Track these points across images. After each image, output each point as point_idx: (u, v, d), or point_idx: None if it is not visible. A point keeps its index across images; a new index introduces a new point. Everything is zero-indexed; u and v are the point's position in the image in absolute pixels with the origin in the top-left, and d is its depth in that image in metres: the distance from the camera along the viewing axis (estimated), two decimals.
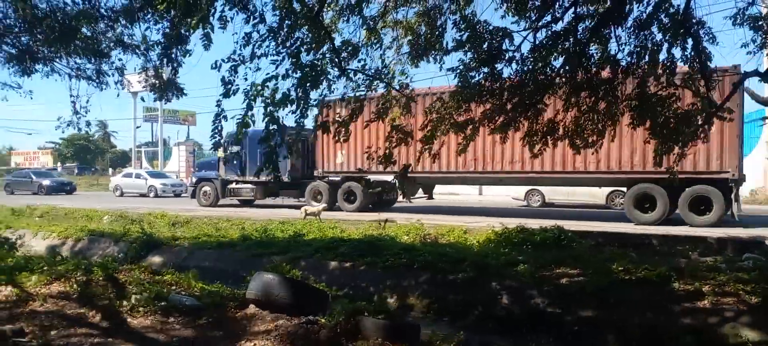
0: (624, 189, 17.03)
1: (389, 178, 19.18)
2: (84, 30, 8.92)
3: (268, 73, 6.84)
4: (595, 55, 7.06)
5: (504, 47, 7.20)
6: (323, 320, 5.74)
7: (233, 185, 23.74)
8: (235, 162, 22.03)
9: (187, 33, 7.25)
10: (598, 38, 7.00)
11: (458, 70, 7.13)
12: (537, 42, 7.31)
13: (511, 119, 7.40)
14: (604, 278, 7.86)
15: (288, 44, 6.59)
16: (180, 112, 48.07)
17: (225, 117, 7.00)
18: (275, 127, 6.97)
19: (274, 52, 6.81)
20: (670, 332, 6.60)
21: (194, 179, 26.63)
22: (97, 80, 10.10)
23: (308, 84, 6.46)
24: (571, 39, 6.90)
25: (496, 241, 10.97)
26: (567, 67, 6.98)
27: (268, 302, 6.21)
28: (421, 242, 11.63)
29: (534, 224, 11.93)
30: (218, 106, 6.89)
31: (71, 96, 9.74)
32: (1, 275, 7.29)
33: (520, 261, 8.88)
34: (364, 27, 7.34)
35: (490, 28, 7.17)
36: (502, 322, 7.53)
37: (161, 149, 46.24)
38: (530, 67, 7.21)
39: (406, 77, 8.03)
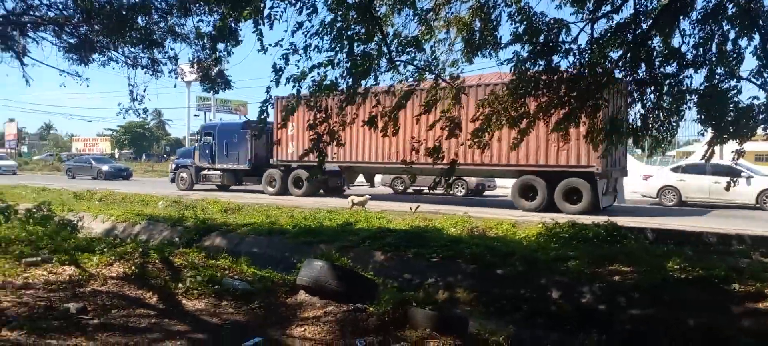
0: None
1: (335, 167, 21.85)
2: (139, 20, 9.20)
3: (317, 62, 6.95)
4: (657, 48, 6.82)
5: (561, 39, 7.07)
6: (371, 309, 5.80)
7: (205, 172, 25.76)
8: (207, 151, 25.17)
9: (237, 26, 7.41)
10: (660, 30, 6.77)
11: (513, 63, 7.04)
12: (595, 34, 7.15)
13: (570, 114, 7.24)
14: (658, 276, 7.65)
15: (340, 35, 6.64)
16: (232, 101, 49.11)
17: (272, 104, 7.15)
18: (321, 115, 7.07)
19: (327, 43, 6.89)
20: (729, 334, 6.36)
21: (173, 166, 28.56)
22: (152, 69, 10.42)
23: (358, 73, 6.51)
24: (631, 31, 6.70)
25: (545, 235, 10.80)
26: (627, 61, 6.78)
27: (317, 289, 6.30)
28: (468, 234, 11.56)
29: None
30: (267, 92, 7.04)
31: (129, 84, 10.08)
32: (64, 256, 7.63)
33: (571, 257, 8.72)
34: (418, 20, 7.30)
35: (547, 20, 7.04)
36: (552, 318, 7.42)
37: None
38: (588, 59, 7.04)
39: (457, 69, 7.98)
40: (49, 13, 9.33)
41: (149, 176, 43.94)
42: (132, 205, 18.26)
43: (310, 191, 22.35)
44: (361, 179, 26.17)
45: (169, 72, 10.10)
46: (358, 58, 6.47)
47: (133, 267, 7.18)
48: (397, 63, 7.30)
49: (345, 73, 6.55)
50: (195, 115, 49.42)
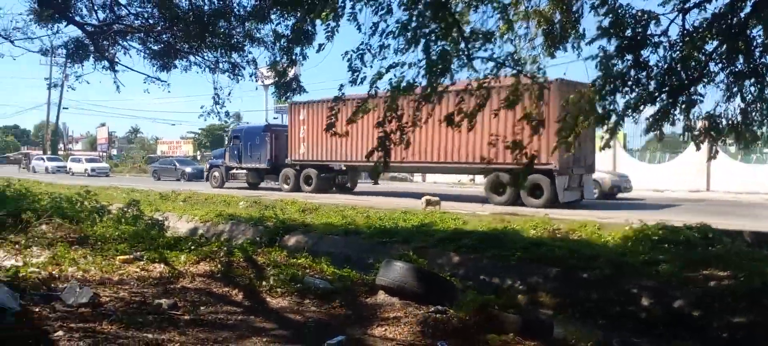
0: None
1: (342, 166, 24.41)
2: (219, 25, 9.54)
3: (393, 62, 6.94)
4: (758, 37, 6.36)
5: (649, 32, 6.72)
6: (452, 311, 5.72)
7: (234, 170, 28.74)
8: (235, 152, 28.17)
9: (313, 29, 7.52)
10: (759, 18, 6.31)
11: (598, 58, 6.76)
12: (687, 25, 6.75)
13: (662, 111, 6.88)
14: (757, 281, 7.12)
15: (416, 34, 6.60)
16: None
17: (344, 102, 7.22)
18: (392, 113, 7.06)
19: (403, 43, 6.88)
20: None
21: (208, 166, 32.18)
22: (232, 73, 10.79)
23: (435, 72, 6.44)
24: (727, 20, 6.28)
25: (633, 238, 10.31)
26: (724, 52, 6.36)
27: (397, 290, 6.29)
28: (549, 236, 11.24)
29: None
30: (340, 90, 7.10)
31: (214, 88, 10.50)
32: (154, 254, 8.00)
33: (661, 260, 8.28)
34: (497, 15, 7.15)
35: (634, 11, 6.72)
36: (641, 323, 7.09)
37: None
38: (680, 53, 6.66)
39: (538, 65, 7.75)
40: (135, 21, 9.84)
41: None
42: (214, 205, 18.95)
43: (317, 188, 24.47)
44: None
45: (250, 76, 10.42)
46: (434, 56, 6.42)
47: (219, 265, 7.42)
48: (474, 59, 7.19)
49: (421, 73, 6.50)
50: (274, 118, 50.75)
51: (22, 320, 4.96)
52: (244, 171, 28.23)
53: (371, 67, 6.58)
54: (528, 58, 7.66)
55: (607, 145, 7.79)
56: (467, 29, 7.26)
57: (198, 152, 72.75)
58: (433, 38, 6.53)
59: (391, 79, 6.58)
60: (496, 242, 10.00)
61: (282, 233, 13.03)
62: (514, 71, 7.27)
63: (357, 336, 5.16)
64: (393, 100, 6.90)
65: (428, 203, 17.29)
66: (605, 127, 7.18)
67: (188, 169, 40.35)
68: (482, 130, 15.24)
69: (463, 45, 6.97)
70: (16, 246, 8.58)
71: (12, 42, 9.71)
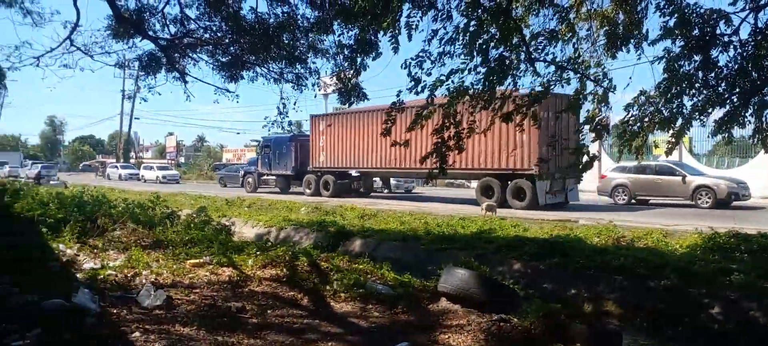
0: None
1: (354, 173, 27.31)
2: (283, 38, 9.81)
3: (452, 68, 6.96)
4: None
5: (719, 32, 6.48)
6: (516, 319, 5.66)
7: (265, 176, 32.32)
8: (266, 160, 31.74)
9: (375, 38, 7.62)
10: None
11: (664, 60, 6.56)
12: (760, 23, 6.47)
13: (732, 114, 6.61)
14: None
15: (475, 40, 6.60)
16: None
17: (402, 109, 7.27)
18: (449, 120, 7.06)
19: (460, 48, 6.89)
20: None
21: (243, 172, 36.06)
22: (296, 83, 11.08)
23: (494, 78, 6.42)
24: None
25: (703, 246, 9.91)
26: None
27: (459, 297, 6.28)
28: (613, 244, 10.92)
29: None
30: (397, 96, 7.17)
31: (281, 98, 10.81)
32: (223, 258, 8.30)
33: (734, 269, 7.91)
34: (558, 18, 7.06)
35: (702, 11, 6.49)
36: (715, 335, 6.79)
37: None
38: (752, 52, 6.39)
39: (603, 68, 7.59)
40: (204, 35, 10.24)
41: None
42: (277, 211, 19.39)
43: (334, 193, 26.95)
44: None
45: (312, 85, 10.66)
46: (493, 62, 6.40)
47: (285, 270, 7.62)
48: (537, 64, 7.11)
49: (480, 79, 6.49)
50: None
51: (102, 320, 5.25)
52: (274, 177, 31.83)
53: (430, 74, 6.60)
54: (590, 60, 7.53)
55: (671, 150, 7.55)
56: (527, 33, 7.23)
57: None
58: (493, 43, 6.51)
59: (449, 85, 6.60)
60: (558, 250, 9.80)
61: (342, 238, 13.20)
62: (578, 75, 7.17)
63: (421, 342, 5.20)
64: (451, 106, 6.91)
65: (487, 208, 17.31)
66: (670, 132, 6.96)
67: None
68: (474, 142, 18.90)
69: (524, 50, 6.92)
70: (95, 249, 9.07)
71: (92, 56, 10.33)
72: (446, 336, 5.38)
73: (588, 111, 7.47)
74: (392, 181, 31.63)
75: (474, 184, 25.27)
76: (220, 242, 9.63)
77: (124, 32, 9.89)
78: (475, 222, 14.50)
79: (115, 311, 5.52)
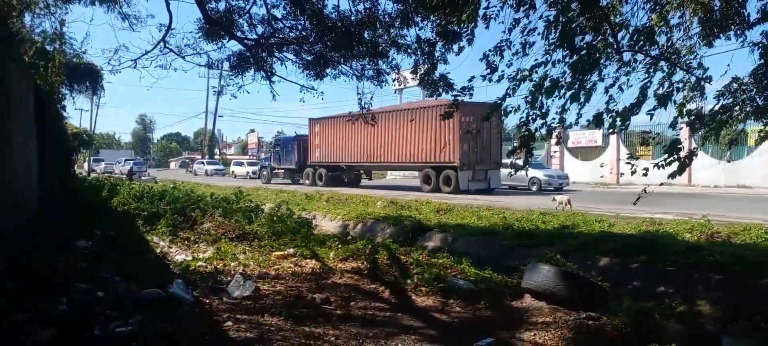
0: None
1: (343, 165, 32.93)
2: (365, 34, 9.88)
3: (535, 60, 6.76)
4: None
5: None
6: (606, 318, 5.46)
7: (276, 170, 38.93)
8: (277, 156, 38.51)
9: (457, 29, 7.53)
10: None
11: (762, 46, 6.11)
12: None
13: None
14: None
15: (563, 28, 6.38)
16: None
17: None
18: (536, 113, 6.86)
19: (544, 38, 6.69)
20: None
21: (260, 166, 43.32)
22: (377, 79, 11.15)
23: (581, 69, 6.18)
24: None
25: None
26: None
27: (544, 294, 6.13)
28: (707, 240, 10.32)
29: None
30: (469, 81, 7.06)
31: (358, 93, 10.93)
32: (306, 250, 8.51)
33: None
34: (650, 7, 6.72)
35: None
36: None
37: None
38: None
39: (696, 57, 7.15)
40: (290, 34, 10.49)
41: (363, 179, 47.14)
42: (354, 205, 19.64)
43: (327, 183, 32.43)
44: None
45: (392, 80, 10.69)
46: (581, 51, 6.16)
47: (365, 262, 7.72)
48: (624, 51, 6.80)
49: (570, 70, 6.27)
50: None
51: (196, 310, 5.50)
52: (283, 170, 38.56)
53: (510, 66, 6.46)
54: (682, 48, 7.12)
55: (764, 139, 7.02)
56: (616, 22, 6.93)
57: None
58: (580, 33, 6.28)
59: (533, 77, 6.43)
60: (647, 246, 9.38)
61: (418, 232, 13.20)
62: (670, 64, 6.79)
63: (506, 339, 5.11)
64: (535, 99, 6.73)
65: (560, 202, 16.97)
66: (766, 121, 6.48)
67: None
68: (418, 141, 27.14)
69: (612, 40, 6.63)
70: (186, 242, 9.54)
71: (184, 57, 10.83)
72: (532, 334, 5.26)
73: (675, 102, 7.07)
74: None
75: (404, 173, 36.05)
76: (302, 234, 9.87)
77: (213, 33, 10.29)
78: (557, 217, 14.11)
79: (207, 301, 5.76)
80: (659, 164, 6.20)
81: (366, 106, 11.07)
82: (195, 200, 13.45)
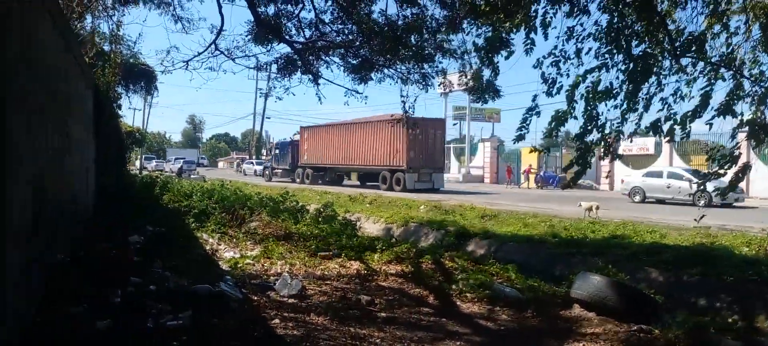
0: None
1: (325, 167, 38.01)
2: (411, 39, 9.89)
3: (590, 68, 6.62)
4: None
5: None
6: (658, 331, 5.30)
7: (275, 170, 44.83)
8: (276, 158, 44.68)
9: (508, 35, 7.42)
10: None
11: None
12: None
13: None
14: None
15: (615, 35, 6.23)
16: (486, 110, 49.84)
17: (538, 113, 6.99)
18: (594, 123, 6.69)
19: (598, 45, 6.54)
20: None
21: (263, 166, 48.97)
22: (422, 83, 11.15)
23: (638, 77, 6.01)
24: None
25: None
26: None
27: (593, 304, 5.99)
28: (765, 254, 9.89)
29: None
30: (533, 101, 6.92)
31: (401, 96, 10.95)
32: (351, 252, 8.54)
33: None
34: (708, 11, 6.49)
35: None
36: None
37: (468, 146, 48.57)
38: None
39: (759, 66, 6.86)
40: (337, 38, 10.59)
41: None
42: (397, 208, 19.62)
43: (313, 182, 37.54)
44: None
45: (438, 84, 10.67)
46: (637, 58, 6.00)
47: (410, 266, 7.70)
48: (682, 58, 6.58)
49: (625, 77, 6.11)
50: (454, 124, 51.48)
51: (244, 307, 5.59)
52: (280, 170, 44.27)
53: (567, 75, 6.33)
54: (745, 57, 6.84)
55: None
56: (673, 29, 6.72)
57: None
58: (636, 39, 6.11)
59: (587, 85, 6.28)
60: (701, 259, 9.06)
61: (462, 238, 13.08)
62: (731, 73, 6.54)
63: None
64: (589, 107, 6.58)
65: (589, 209, 16.87)
66: None
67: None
68: (377, 149, 32.50)
69: (668, 46, 6.44)
70: (233, 239, 9.72)
71: (233, 59, 11.06)
72: (580, 345, 5.15)
73: (741, 114, 6.78)
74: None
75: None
76: (347, 236, 9.93)
77: (263, 37, 10.49)
78: (607, 226, 13.77)
79: (255, 298, 5.85)
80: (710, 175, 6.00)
81: (410, 109, 11.08)
82: (242, 199, 13.69)
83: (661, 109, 6.45)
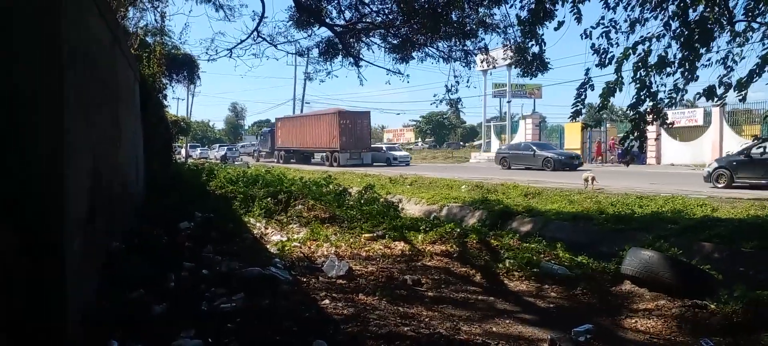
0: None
1: (292, 149, 48.16)
2: (452, 16, 9.77)
3: (641, 36, 6.42)
4: None
5: None
6: (713, 306, 5.16)
7: (262, 152, 55.71)
8: (262, 142, 56.19)
9: (553, 6, 7.26)
10: None
11: None
12: None
13: None
14: None
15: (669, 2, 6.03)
16: (526, 86, 49.04)
17: (591, 86, 6.84)
18: (645, 92, 6.51)
19: (650, 13, 6.34)
20: None
21: (254, 149, 60.59)
22: (464, 60, 11.04)
23: (697, 43, 5.79)
24: None
25: None
26: None
27: (646, 280, 5.86)
28: None
29: None
30: (586, 74, 6.78)
31: (455, 76, 10.87)
32: (395, 232, 8.56)
33: None
34: None
35: None
36: None
37: (509, 123, 47.85)
38: None
39: None
40: (377, 18, 10.56)
41: (449, 162, 46.85)
42: (438, 189, 19.57)
43: (285, 161, 46.02)
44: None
45: (481, 61, 10.54)
46: (693, 24, 5.78)
47: (455, 246, 7.68)
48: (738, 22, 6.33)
49: (681, 44, 5.90)
50: (508, 101, 50.70)
51: (294, 288, 5.68)
52: (264, 152, 55.08)
53: (617, 45, 6.16)
54: None
55: None
56: None
57: (418, 140, 75.85)
58: (691, 5, 5.89)
59: (640, 53, 6.11)
60: (757, 232, 8.78)
61: (506, 217, 12.99)
62: None
63: (605, 326, 4.94)
64: (642, 77, 6.40)
65: (587, 180, 18.15)
66: None
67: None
68: (321, 135, 42.32)
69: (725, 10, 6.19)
70: (280, 223, 9.87)
71: (275, 46, 11.17)
72: (633, 321, 5.06)
73: None
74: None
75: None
76: (390, 217, 9.96)
77: (304, 21, 10.54)
78: (654, 201, 13.45)
79: (304, 280, 5.94)
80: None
81: (454, 88, 11.03)
82: (287, 184, 13.88)
83: (719, 74, 6.23)
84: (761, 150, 17.97)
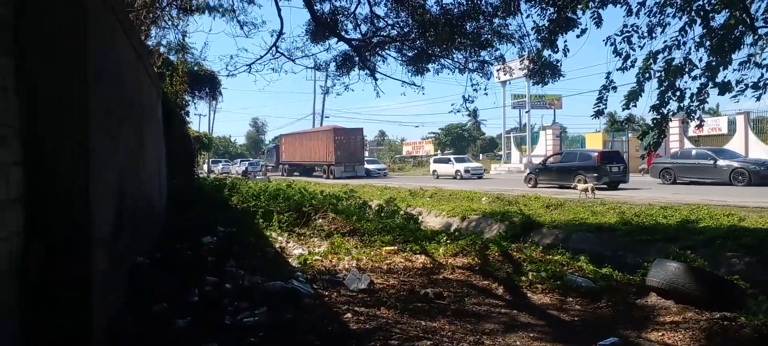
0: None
1: (295, 164, 51.39)
2: (467, 27, 9.78)
3: (664, 42, 6.38)
4: None
5: None
6: (743, 319, 5.05)
7: (268, 167, 56.75)
8: (268, 157, 60.47)
9: (575, 16, 7.23)
10: None
11: None
12: None
13: None
14: None
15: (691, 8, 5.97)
16: (546, 96, 48.85)
17: (614, 88, 6.82)
18: (669, 95, 6.46)
19: (671, 16, 6.29)
20: None
21: (261, 164, 60.52)
22: (481, 70, 11.04)
23: (725, 49, 5.72)
24: None
25: None
26: None
27: (671, 292, 5.76)
28: None
29: None
30: (607, 78, 6.75)
31: (473, 85, 10.87)
32: (415, 245, 8.55)
33: None
34: None
35: None
36: None
37: (529, 134, 47.61)
38: None
39: None
40: (392, 31, 10.62)
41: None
42: (459, 201, 19.48)
43: (288, 174, 48.31)
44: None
45: (497, 70, 10.54)
46: (717, 29, 5.71)
47: (476, 258, 7.63)
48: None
49: (709, 48, 5.83)
50: (526, 111, 50.49)
51: (316, 302, 5.69)
52: (270, 166, 56.69)
53: (639, 48, 6.12)
54: None
55: None
56: None
57: (438, 151, 75.73)
58: (712, 11, 5.83)
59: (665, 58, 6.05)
60: None
61: (527, 229, 12.89)
62: None
63: (631, 339, 4.86)
64: (669, 80, 6.34)
65: (582, 189, 18.20)
66: None
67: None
68: (319, 150, 45.92)
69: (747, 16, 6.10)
70: (301, 237, 9.90)
71: (293, 60, 11.29)
72: (659, 334, 4.96)
73: None
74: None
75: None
76: (410, 229, 9.95)
77: (320, 35, 10.66)
78: (680, 211, 13.22)
79: (326, 293, 5.95)
80: None
81: (471, 97, 11.02)
82: (308, 198, 13.94)
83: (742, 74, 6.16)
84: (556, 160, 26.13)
